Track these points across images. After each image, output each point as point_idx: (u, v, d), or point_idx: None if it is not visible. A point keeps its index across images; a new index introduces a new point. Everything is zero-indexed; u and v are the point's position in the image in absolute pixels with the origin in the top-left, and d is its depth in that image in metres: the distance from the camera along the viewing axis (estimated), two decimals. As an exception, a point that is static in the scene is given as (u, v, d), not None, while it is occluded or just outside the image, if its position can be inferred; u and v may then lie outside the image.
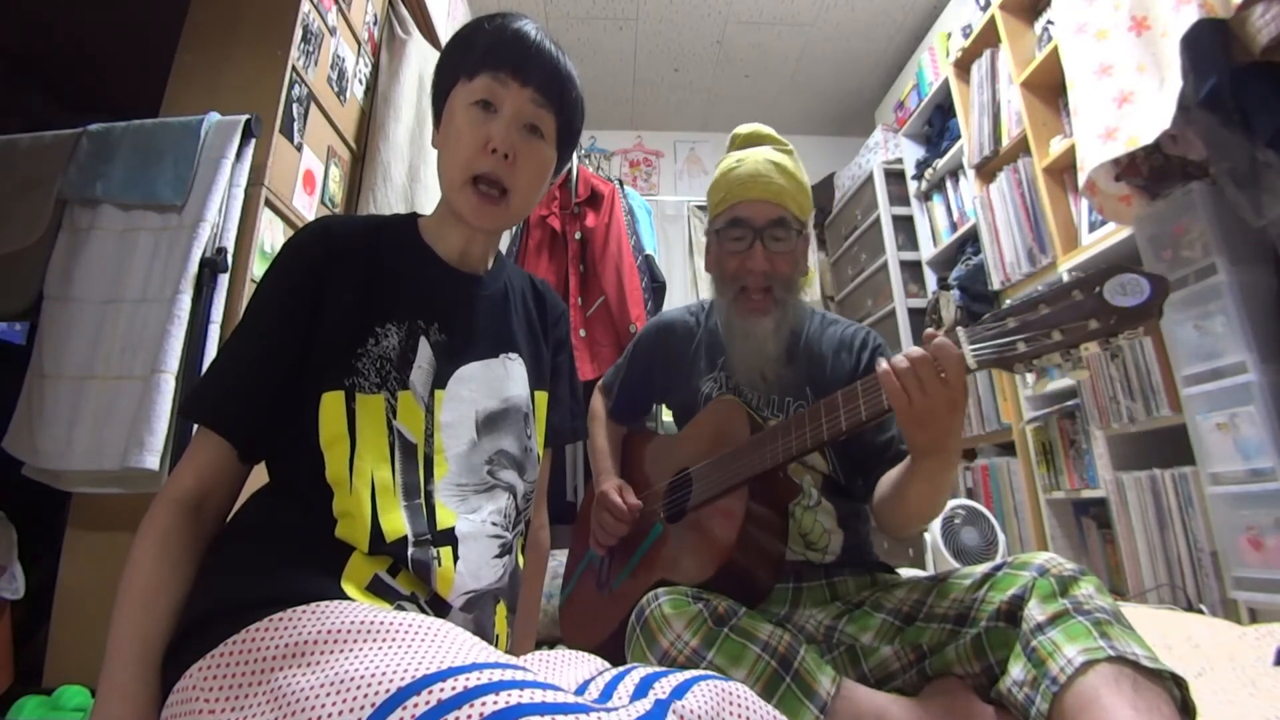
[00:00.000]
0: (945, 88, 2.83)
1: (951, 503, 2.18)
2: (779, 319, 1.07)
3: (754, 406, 1.07)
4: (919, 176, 3.08)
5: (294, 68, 1.51)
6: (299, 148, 1.54)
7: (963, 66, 2.70)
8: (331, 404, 0.64)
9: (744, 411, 1.01)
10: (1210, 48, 1.40)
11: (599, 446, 1.23)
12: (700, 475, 0.99)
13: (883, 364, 0.76)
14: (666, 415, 2.20)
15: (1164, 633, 1.27)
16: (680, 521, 0.99)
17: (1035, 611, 0.71)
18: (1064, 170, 2.16)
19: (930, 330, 0.74)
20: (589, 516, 1.16)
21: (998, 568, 0.80)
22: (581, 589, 1.15)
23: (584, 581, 1.15)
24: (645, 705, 0.44)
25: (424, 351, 0.69)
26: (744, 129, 1.18)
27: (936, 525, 2.12)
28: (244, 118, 1.33)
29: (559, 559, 1.30)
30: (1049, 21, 2.22)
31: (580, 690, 0.56)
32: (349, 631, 0.48)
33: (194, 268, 1.22)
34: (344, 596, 0.56)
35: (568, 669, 0.62)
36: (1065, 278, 2.06)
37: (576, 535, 1.27)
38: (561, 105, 0.74)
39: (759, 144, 1.14)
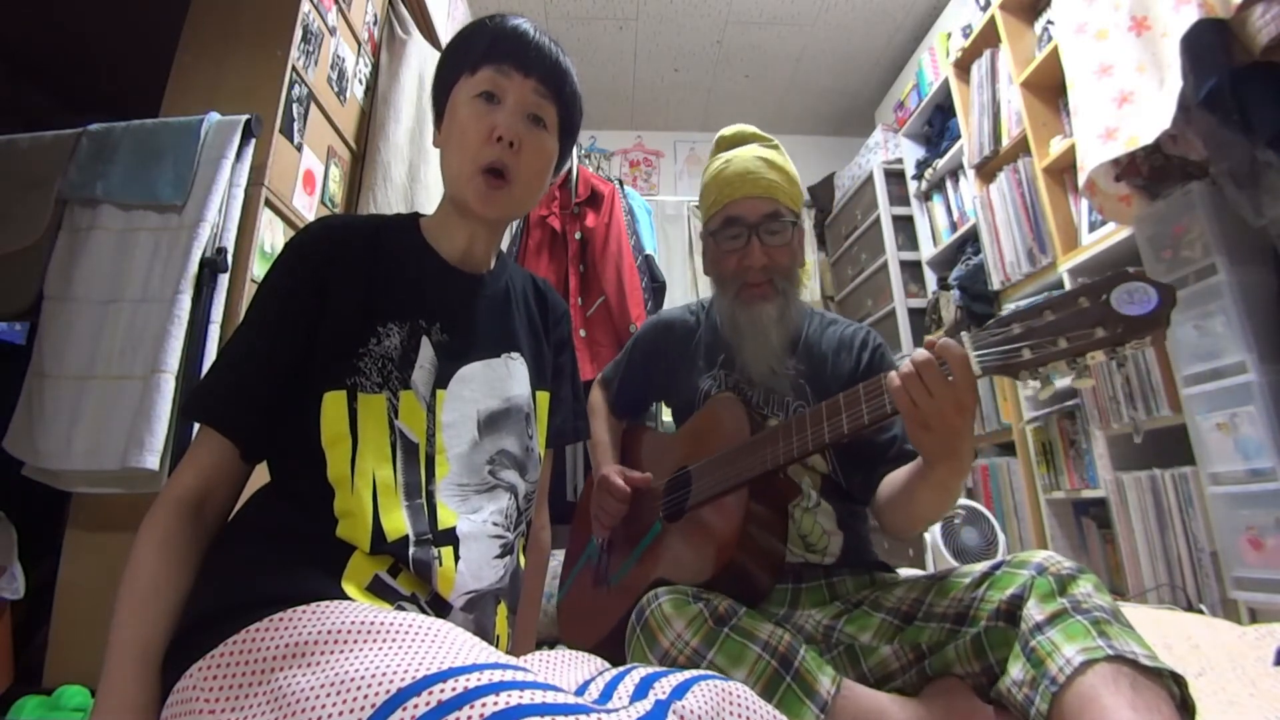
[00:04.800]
0: (945, 88, 2.83)
1: (951, 503, 2.18)
2: (782, 307, 1.07)
3: (754, 405, 1.07)
4: (919, 176, 3.08)
5: (294, 68, 1.51)
6: (299, 148, 1.54)
7: (963, 66, 2.70)
8: (333, 403, 0.64)
9: (743, 410, 1.00)
10: (1210, 48, 1.40)
11: (599, 439, 1.22)
12: (700, 474, 0.99)
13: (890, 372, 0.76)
14: (666, 415, 2.21)
15: (1164, 633, 1.27)
16: (680, 520, 0.99)
17: (1034, 611, 0.71)
18: (1064, 170, 2.16)
19: (931, 338, 0.74)
20: (588, 508, 1.16)
21: (996, 566, 0.80)
22: (580, 584, 1.15)
23: (582, 576, 1.15)
24: (645, 705, 0.44)
25: (426, 351, 0.69)
26: (728, 130, 1.18)
27: (936, 525, 2.12)
28: (244, 118, 1.33)
29: (559, 559, 1.30)
30: (1049, 21, 2.22)
31: (580, 691, 0.56)
32: (349, 632, 0.48)
33: (194, 268, 1.21)
34: (344, 597, 0.56)
35: (568, 669, 0.62)
36: (1066, 278, 2.06)
37: (575, 527, 1.27)
38: (562, 96, 0.75)
39: (745, 143, 1.14)
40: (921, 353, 0.73)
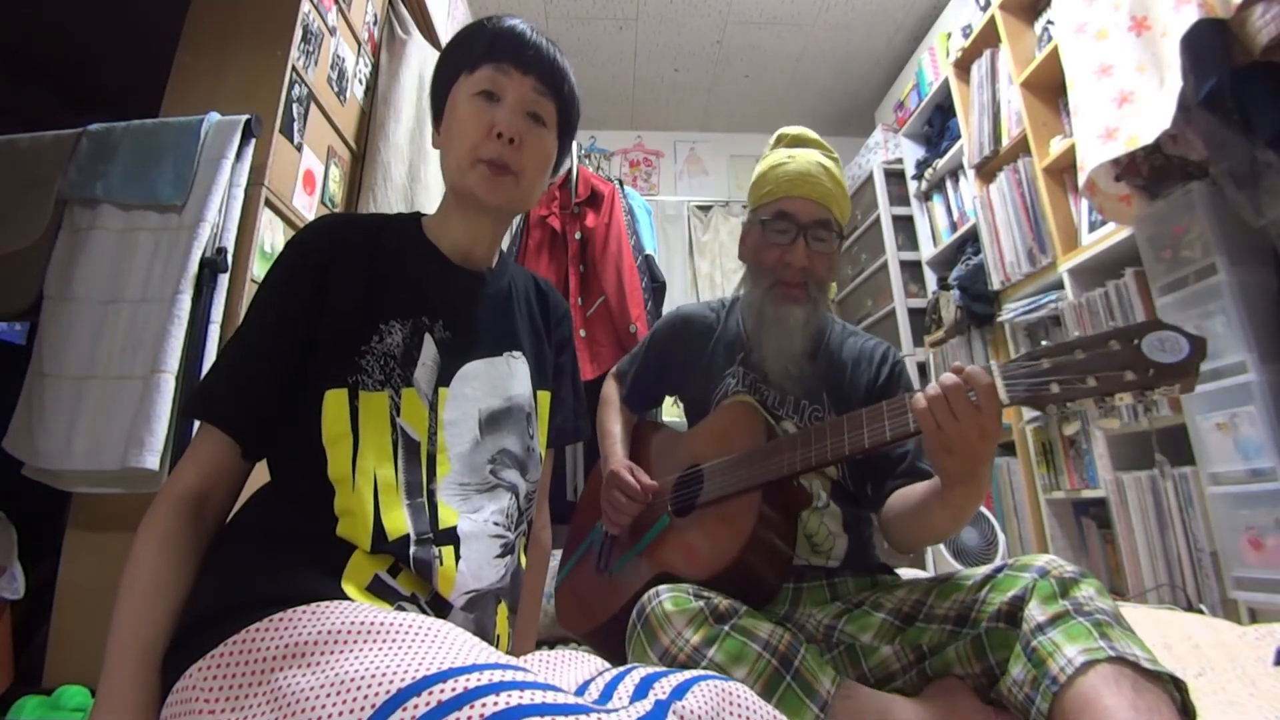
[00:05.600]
0: (945, 88, 2.83)
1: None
2: (810, 313, 1.08)
3: (769, 407, 1.08)
4: (919, 176, 3.08)
5: (294, 68, 1.51)
6: (299, 148, 1.54)
7: (963, 66, 2.70)
8: (334, 401, 0.64)
9: (760, 414, 1.01)
10: (1210, 48, 1.40)
11: (610, 431, 1.22)
12: (713, 473, 0.99)
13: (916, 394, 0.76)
14: (668, 415, 2.21)
15: (1164, 633, 1.27)
16: (688, 516, 0.99)
17: (1036, 612, 0.71)
18: (1064, 170, 2.16)
19: (958, 364, 0.75)
20: (592, 500, 1.15)
21: (998, 569, 0.80)
22: (580, 569, 1.15)
23: (583, 563, 1.15)
24: (645, 706, 0.44)
25: (429, 348, 0.69)
26: (792, 130, 1.20)
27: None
28: (244, 118, 1.33)
29: (560, 559, 1.30)
30: (1049, 21, 2.22)
31: (580, 691, 0.55)
32: (349, 632, 0.48)
33: (194, 268, 1.21)
34: (344, 596, 0.56)
35: (568, 669, 0.62)
36: (1066, 278, 2.06)
37: (576, 518, 1.26)
38: (560, 94, 0.76)
39: (807, 146, 1.16)
40: (950, 377, 0.73)
